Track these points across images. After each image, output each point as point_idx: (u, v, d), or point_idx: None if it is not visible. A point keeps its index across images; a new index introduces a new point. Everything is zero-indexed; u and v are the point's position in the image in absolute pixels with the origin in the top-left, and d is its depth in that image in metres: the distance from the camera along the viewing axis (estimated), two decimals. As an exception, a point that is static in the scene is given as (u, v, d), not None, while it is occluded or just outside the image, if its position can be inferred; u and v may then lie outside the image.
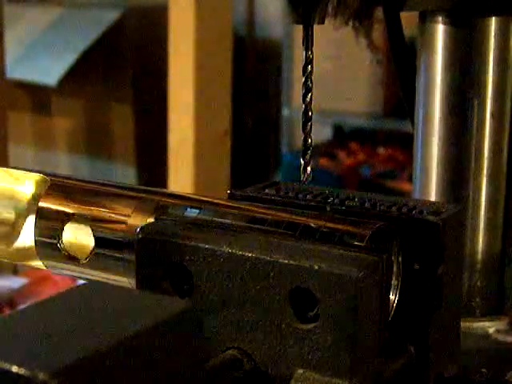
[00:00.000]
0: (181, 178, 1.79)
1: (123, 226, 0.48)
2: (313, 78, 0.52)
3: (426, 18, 0.64)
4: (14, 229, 0.53)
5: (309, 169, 0.51)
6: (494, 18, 0.62)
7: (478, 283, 0.64)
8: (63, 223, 0.50)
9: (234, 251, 0.42)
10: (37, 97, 2.60)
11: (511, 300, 0.65)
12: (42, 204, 0.51)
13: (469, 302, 0.64)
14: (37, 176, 0.53)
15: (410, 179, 0.69)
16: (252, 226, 0.45)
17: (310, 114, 0.52)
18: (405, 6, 0.63)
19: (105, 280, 0.50)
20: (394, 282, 0.46)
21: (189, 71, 1.73)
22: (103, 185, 0.52)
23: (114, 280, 0.49)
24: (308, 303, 0.40)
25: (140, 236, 0.44)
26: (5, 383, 0.29)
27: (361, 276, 0.39)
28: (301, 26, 0.52)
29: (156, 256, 0.43)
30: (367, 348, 0.40)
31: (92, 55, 2.41)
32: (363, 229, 0.43)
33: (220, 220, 0.46)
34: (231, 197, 0.51)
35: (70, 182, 0.52)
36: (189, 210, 0.47)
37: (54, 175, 0.52)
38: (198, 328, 0.35)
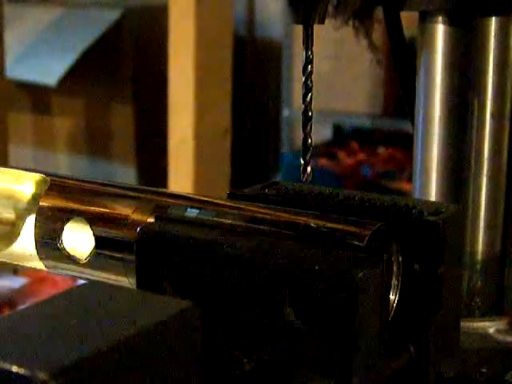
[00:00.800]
0: (181, 178, 1.79)
1: (123, 226, 0.48)
2: (313, 78, 0.52)
3: (426, 18, 0.64)
4: (13, 229, 0.53)
5: (309, 169, 0.51)
6: (494, 18, 0.62)
7: (478, 283, 0.64)
8: (63, 223, 0.50)
9: (233, 251, 0.42)
10: (37, 97, 2.60)
11: (511, 300, 0.65)
12: (41, 204, 0.51)
13: (469, 302, 0.64)
14: (37, 176, 0.53)
15: (410, 179, 0.69)
16: (252, 225, 0.45)
17: (310, 113, 0.52)
18: (405, 5, 0.63)
19: (105, 280, 0.50)
20: (393, 281, 0.46)
21: (189, 71, 1.73)
22: (103, 185, 0.52)
23: (114, 280, 0.49)
24: (308, 303, 0.40)
25: (140, 236, 0.44)
26: (5, 383, 0.29)
27: (361, 276, 0.39)
28: (301, 26, 0.52)
29: (156, 256, 0.43)
30: (367, 348, 0.40)
31: (92, 55, 2.41)
32: (363, 229, 0.43)
33: (220, 220, 0.46)
34: (231, 197, 0.51)
35: (70, 182, 0.52)
36: (189, 210, 0.47)
37: (54, 175, 0.52)
38: (197, 328, 0.35)
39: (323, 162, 2.46)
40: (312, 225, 0.44)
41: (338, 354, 0.39)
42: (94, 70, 2.47)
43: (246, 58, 2.68)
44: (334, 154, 2.52)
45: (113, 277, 0.49)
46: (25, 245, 0.52)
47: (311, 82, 0.50)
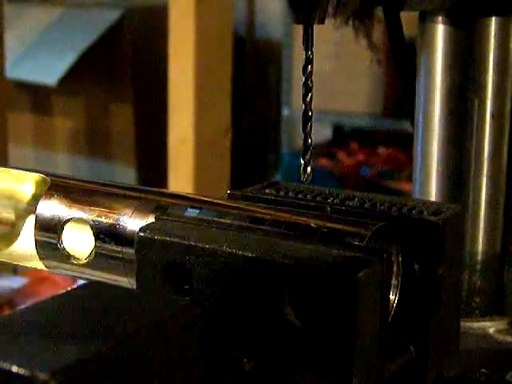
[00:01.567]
0: (181, 178, 1.79)
1: (123, 225, 0.48)
2: (313, 78, 0.52)
3: (426, 18, 0.64)
4: (13, 229, 0.53)
5: (309, 169, 0.51)
6: (494, 18, 0.62)
7: (478, 283, 0.64)
8: (63, 223, 0.50)
9: (233, 251, 0.42)
10: (37, 97, 2.60)
11: (511, 300, 0.65)
12: (41, 204, 0.51)
13: (469, 302, 0.64)
14: (37, 176, 0.53)
15: (410, 179, 0.69)
16: (252, 225, 0.45)
17: (310, 113, 0.52)
18: (405, 5, 0.63)
19: (105, 280, 0.50)
20: (393, 281, 0.46)
21: (189, 71, 1.73)
22: (103, 185, 0.52)
23: (114, 280, 0.49)
24: (308, 303, 0.40)
25: (140, 236, 0.44)
26: (5, 383, 0.29)
27: (361, 276, 0.39)
28: (301, 26, 0.52)
29: (156, 256, 0.43)
30: (367, 348, 0.40)
31: (92, 55, 2.41)
32: (363, 229, 0.43)
33: (220, 220, 0.46)
34: (231, 197, 0.51)
35: (70, 182, 0.52)
36: (189, 210, 0.47)
37: (54, 175, 0.52)
38: (197, 328, 0.35)
39: (323, 162, 2.46)
40: (312, 225, 0.44)
41: (337, 354, 0.39)
42: (93, 70, 2.47)
43: (246, 57, 2.68)
44: (334, 154, 2.52)
45: (113, 277, 0.49)
46: (25, 245, 0.52)
47: (311, 82, 0.50)
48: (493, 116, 0.63)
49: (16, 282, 1.51)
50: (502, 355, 0.60)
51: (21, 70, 2.45)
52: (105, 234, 0.49)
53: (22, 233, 0.52)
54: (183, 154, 1.77)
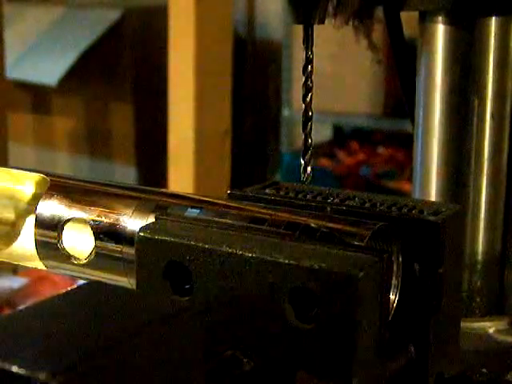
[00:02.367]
0: (181, 178, 1.79)
1: (123, 225, 0.48)
2: (313, 78, 0.52)
3: (425, 18, 0.64)
4: (14, 229, 0.53)
5: (309, 169, 0.51)
6: (494, 18, 0.62)
7: (478, 283, 0.64)
8: (63, 223, 0.50)
9: (234, 251, 0.42)
10: (37, 97, 2.60)
11: (511, 300, 0.65)
12: (41, 204, 0.51)
13: (469, 302, 0.64)
14: (37, 176, 0.53)
15: (410, 179, 0.69)
16: (252, 225, 0.45)
17: (310, 113, 0.52)
18: (405, 5, 0.63)
19: (105, 280, 0.50)
20: (394, 281, 0.46)
21: (189, 71, 1.73)
22: (103, 185, 0.52)
23: (114, 280, 0.49)
24: (308, 303, 0.40)
25: (140, 236, 0.44)
26: (5, 383, 0.29)
27: (361, 276, 0.39)
28: (301, 26, 0.52)
29: (156, 256, 0.43)
30: (367, 348, 0.40)
31: (92, 55, 2.41)
32: (363, 229, 0.43)
33: (220, 220, 0.46)
34: (231, 197, 0.51)
35: (70, 182, 0.52)
36: (189, 209, 0.47)
37: (54, 175, 0.52)
38: (197, 328, 0.35)
39: (323, 161, 2.46)
40: (312, 225, 0.44)
41: (337, 354, 0.39)
42: (94, 70, 2.47)
43: (246, 57, 2.68)
44: (334, 154, 2.52)
45: (113, 277, 0.49)
46: (25, 245, 0.52)
47: (311, 82, 0.50)
48: (493, 116, 0.63)
49: (16, 282, 1.51)
50: (502, 355, 0.60)
51: (21, 70, 2.45)
52: (105, 233, 0.49)
53: (22, 233, 0.52)
54: (183, 154, 1.77)
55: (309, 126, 0.51)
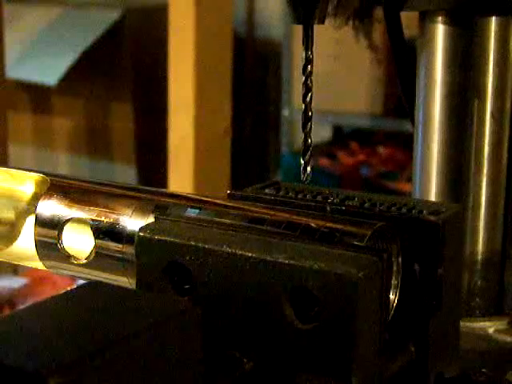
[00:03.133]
0: (181, 178, 1.79)
1: (123, 225, 0.48)
2: (313, 77, 0.52)
3: (425, 18, 0.64)
4: (13, 229, 0.53)
5: (309, 169, 0.51)
6: (493, 18, 0.62)
7: (478, 283, 0.64)
8: (63, 223, 0.50)
9: (233, 251, 0.42)
10: (37, 97, 2.60)
11: (511, 300, 0.65)
12: (41, 204, 0.51)
13: (469, 302, 0.64)
14: (37, 176, 0.53)
15: (410, 179, 0.69)
16: (252, 225, 0.45)
17: (310, 114, 0.52)
18: (405, 5, 0.63)
19: (105, 280, 0.50)
20: (393, 281, 0.46)
21: (189, 71, 1.73)
22: (103, 185, 0.52)
23: (114, 280, 0.49)
24: (308, 303, 0.40)
25: (140, 236, 0.44)
26: (5, 383, 0.29)
27: (361, 276, 0.39)
28: (301, 26, 0.52)
29: (156, 256, 0.43)
30: (367, 348, 0.40)
31: (92, 55, 2.41)
32: (363, 229, 0.43)
33: (220, 220, 0.46)
34: (231, 197, 0.51)
35: (70, 182, 0.52)
36: (189, 209, 0.47)
37: (54, 175, 0.52)
38: (197, 328, 0.35)
39: (323, 161, 2.46)
40: (312, 225, 0.44)
41: (337, 354, 0.39)
42: (93, 70, 2.47)
43: (246, 58, 2.68)
44: (333, 154, 2.52)
45: (113, 277, 0.49)
46: (25, 245, 0.52)
47: (311, 81, 0.50)
48: (493, 116, 0.63)
49: (16, 282, 1.51)
50: (502, 355, 0.60)
51: (21, 70, 2.45)
52: (105, 233, 0.49)
53: (22, 233, 0.52)
54: (183, 154, 1.77)
55: (309, 126, 0.51)
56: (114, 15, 2.43)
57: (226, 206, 0.47)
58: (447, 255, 0.47)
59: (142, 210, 0.48)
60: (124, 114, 2.48)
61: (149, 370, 0.32)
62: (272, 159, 2.76)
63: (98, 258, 0.49)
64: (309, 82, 0.50)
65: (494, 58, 0.62)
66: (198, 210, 0.47)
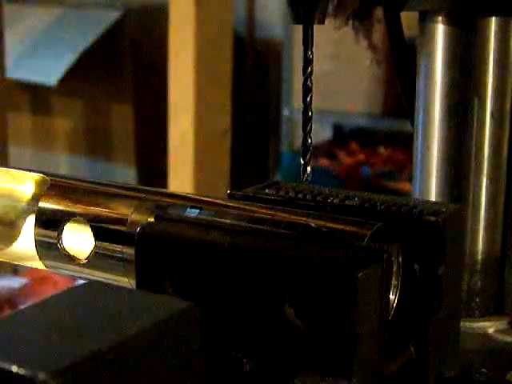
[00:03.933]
0: (181, 178, 1.79)
1: (123, 226, 0.48)
2: (313, 78, 0.52)
3: (425, 18, 0.64)
4: (14, 229, 0.53)
5: (309, 169, 0.51)
6: (493, 18, 0.62)
7: (478, 283, 0.64)
8: (63, 223, 0.50)
9: (233, 251, 0.42)
10: (37, 97, 2.60)
11: (511, 300, 0.65)
12: (41, 204, 0.51)
13: (469, 302, 0.64)
14: (37, 176, 0.53)
15: (410, 179, 0.69)
16: (252, 225, 0.45)
17: (310, 114, 0.52)
18: (405, 5, 0.63)
19: (105, 280, 0.50)
20: (393, 281, 0.46)
21: (189, 71, 1.73)
22: (103, 185, 0.52)
23: (114, 280, 0.49)
24: (308, 303, 0.40)
25: (140, 236, 0.44)
26: (5, 383, 0.29)
27: (361, 276, 0.39)
28: (301, 26, 0.52)
29: (156, 256, 0.43)
30: (367, 348, 0.40)
31: (92, 55, 2.41)
32: (363, 229, 0.43)
33: (220, 220, 0.46)
34: (231, 197, 0.51)
35: (70, 182, 0.52)
36: (189, 210, 0.47)
37: (54, 175, 0.52)
38: (197, 328, 0.35)
39: (323, 162, 2.46)
40: (312, 225, 0.44)
41: (338, 353, 0.39)
42: (94, 70, 2.47)
43: (246, 58, 2.68)
44: (334, 154, 2.52)
45: (113, 277, 0.49)
46: (25, 245, 0.52)
47: (311, 82, 0.50)
48: (493, 115, 0.63)
49: (16, 282, 1.51)
50: (502, 355, 0.60)
51: (21, 70, 2.45)
52: (105, 233, 0.49)
53: (22, 233, 0.52)
54: (183, 154, 1.77)
55: (309, 126, 0.51)
56: (114, 15, 2.43)
57: (226, 206, 0.47)
58: (447, 255, 0.47)
59: (142, 210, 0.48)
60: (124, 114, 2.48)
61: (149, 370, 0.32)
62: (272, 159, 2.76)
63: (98, 258, 0.49)
64: (309, 82, 0.50)
65: (493, 58, 0.62)
66: (198, 210, 0.47)
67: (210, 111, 1.78)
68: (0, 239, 0.53)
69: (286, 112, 2.54)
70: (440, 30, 0.63)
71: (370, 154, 2.50)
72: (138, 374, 0.32)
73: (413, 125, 0.67)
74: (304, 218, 0.45)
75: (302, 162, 0.51)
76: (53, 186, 0.51)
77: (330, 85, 2.28)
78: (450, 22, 0.62)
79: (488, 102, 0.63)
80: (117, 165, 2.54)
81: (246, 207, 0.47)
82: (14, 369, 0.29)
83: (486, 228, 0.64)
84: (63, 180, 0.52)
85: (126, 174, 2.49)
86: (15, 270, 1.61)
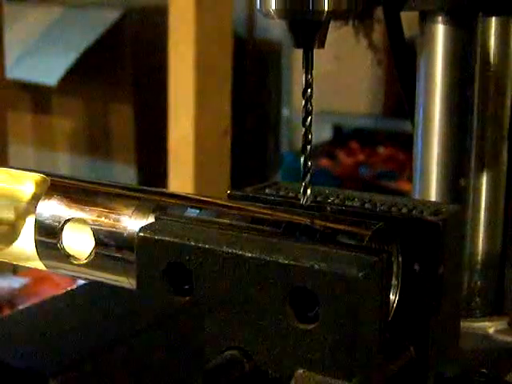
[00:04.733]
0: (181, 178, 1.79)
1: (123, 225, 0.48)
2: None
3: (425, 18, 0.64)
4: (13, 229, 0.53)
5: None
6: (494, 18, 0.62)
7: (478, 283, 0.64)
8: (63, 223, 0.50)
9: (233, 251, 0.42)
10: (37, 97, 2.60)
11: (511, 300, 0.65)
12: (41, 204, 0.51)
13: (469, 302, 0.64)
14: (37, 176, 0.53)
15: (410, 179, 0.69)
16: (252, 225, 0.45)
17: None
18: (405, 6, 0.63)
19: (105, 280, 0.50)
20: (394, 281, 0.46)
21: (189, 71, 1.73)
22: (103, 185, 0.52)
23: (114, 280, 0.49)
24: (308, 303, 0.40)
25: (140, 236, 0.44)
26: (5, 382, 0.29)
27: (361, 276, 0.39)
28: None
29: (156, 256, 0.43)
30: (367, 348, 0.40)
31: (92, 55, 2.41)
32: (363, 229, 0.43)
33: (220, 220, 0.46)
34: (231, 197, 0.51)
35: (70, 182, 0.52)
36: (189, 209, 0.47)
37: (54, 175, 0.52)
38: (197, 328, 0.35)
39: (323, 162, 2.46)
40: (312, 225, 0.44)
41: (338, 354, 0.39)
42: (94, 70, 2.47)
43: (246, 58, 2.68)
44: (334, 154, 2.52)
45: (113, 277, 0.49)
46: (25, 245, 0.52)
47: (311, 105, 0.50)
48: (493, 115, 0.63)
49: (16, 282, 1.51)
50: (502, 355, 0.60)
51: (21, 70, 2.45)
52: (105, 233, 0.49)
53: (22, 233, 0.52)
54: (183, 154, 1.77)
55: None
56: (114, 15, 2.43)
57: (226, 206, 0.47)
58: (447, 255, 0.47)
59: (142, 210, 0.48)
60: (124, 114, 2.48)
61: (149, 370, 0.32)
62: (272, 159, 2.76)
63: (98, 258, 0.49)
64: (309, 105, 0.50)
65: (494, 58, 0.62)
66: (198, 210, 0.47)
67: (210, 111, 1.78)
68: (0, 239, 0.53)
69: (285, 112, 2.54)
70: (440, 30, 0.63)
71: (369, 154, 2.50)
72: (138, 374, 0.32)
73: (413, 125, 0.67)
74: (304, 218, 0.45)
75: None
76: (53, 185, 0.51)
77: (330, 85, 2.28)
78: (450, 21, 0.62)
79: (488, 101, 0.63)
80: (117, 165, 2.54)
81: (246, 207, 0.47)
82: (14, 368, 0.29)
83: (486, 228, 0.64)
84: (63, 180, 0.52)
85: (126, 173, 2.49)
86: (15, 270, 1.61)
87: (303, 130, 0.49)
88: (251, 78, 2.71)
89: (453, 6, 0.62)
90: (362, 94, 2.38)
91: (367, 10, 0.69)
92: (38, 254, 0.51)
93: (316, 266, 0.39)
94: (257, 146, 2.77)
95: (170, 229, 0.44)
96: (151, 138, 2.42)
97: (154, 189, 0.51)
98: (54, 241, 0.50)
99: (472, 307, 0.64)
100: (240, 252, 0.41)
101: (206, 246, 0.42)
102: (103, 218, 0.49)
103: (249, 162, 2.71)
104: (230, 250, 0.42)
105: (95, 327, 0.33)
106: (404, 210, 0.48)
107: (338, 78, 2.33)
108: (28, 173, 0.53)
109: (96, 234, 0.49)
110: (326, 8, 0.47)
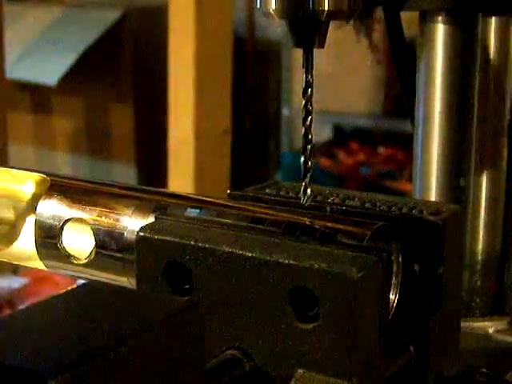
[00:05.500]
0: (181, 178, 1.79)
1: (123, 225, 0.48)
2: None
3: (425, 18, 0.64)
4: (13, 229, 0.53)
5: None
6: (494, 18, 0.62)
7: (478, 283, 0.64)
8: (63, 223, 0.50)
9: (234, 251, 0.42)
10: (37, 97, 2.60)
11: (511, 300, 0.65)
12: (41, 204, 0.51)
13: (469, 302, 0.64)
14: (37, 176, 0.53)
15: (410, 179, 0.69)
16: (252, 225, 0.45)
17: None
18: (405, 5, 0.63)
19: (105, 280, 0.50)
20: (393, 281, 0.46)
21: (189, 71, 1.73)
22: (103, 185, 0.52)
23: (114, 280, 0.49)
24: (308, 303, 0.40)
25: (140, 235, 0.44)
26: (6, 382, 0.29)
27: (361, 276, 0.39)
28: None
29: (156, 255, 0.43)
30: (367, 348, 0.40)
31: (92, 55, 2.41)
32: (363, 229, 0.43)
33: (220, 220, 0.46)
34: (231, 197, 0.51)
35: (70, 182, 0.52)
36: (189, 209, 0.47)
37: (54, 175, 0.52)
38: (197, 328, 0.35)
39: (323, 162, 2.46)
40: (312, 225, 0.44)
41: (338, 353, 0.39)
42: (93, 70, 2.47)
43: (246, 58, 2.68)
44: (334, 154, 2.52)
45: (113, 277, 0.49)
46: (25, 245, 0.52)
47: (311, 105, 0.50)
48: (493, 115, 0.63)
49: (16, 282, 1.51)
50: (501, 355, 0.60)
51: (21, 70, 2.45)
52: (105, 233, 0.49)
53: (22, 233, 0.52)
54: (183, 154, 1.77)
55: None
56: (114, 15, 2.43)
57: (226, 206, 0.47)
58: (447, 255, 0.47)
59: (142, 210, 0.48)
60: (124, 114, 2.48)
61: (149, 369, 0.32)
62: (272, 159, 2.76)
63: (98, 258, 0.49)
64: (309, 105, 0.50)
65: (493, 58, 0.62)
66: (198, 210, 0.47)
67: (210, 111, 1.78)
68: (0, 239, 0.53)
69: (285, 112, 2.54)
70: (440, 30, 0.63)
71: (369, 153, 2.50)
72: (138, 373, 0.32)
73: (413, 125, 0.67)
74: (304, 218, 0.45)
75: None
76: (53, 185, 0.51)
77: (330, 85, 2.28)
78: (450, 21, 0.62)
79: (488, 102, 0.63)
80: (117, 165, 2.54)
81: (246, 207, 0.47)
82: (14, 368, 0.29)
83: (486, 228, 0.64)
84: (63, 180, 0.52)
85: (126, 174, 2.49)
86: (15, 269, 1.61)
87: (303, 129, 0.49)
88: (251, 78, 2.71)
89: (453, 6, 0.62)
90: (361, 94, 2.38)
91: (367, 10, 0.69)
92: (38, 253, 0.51)
93: (316, 266, 0.39)
94: (257, 146, 2.77)
95: (169, 229, 0.44)
96: (151, 138, 2.42)
97: (154, 189, 0.51)
98: (54, 241, 0.50)
99: (472, 307, 0.64)
100: (240, 252, 0.41)
101: (206, 246, 0.42)
102: (103, 218, 0.49)
103: (249, 162, 2.71)
104: (229, 250, 0.42)
105: (95, 327, 0.33)
106: (404, 210, 0.48)
107: (337, 78, 2.33)
108: (28, 173, 0.53)
109: (96, 233, 0.49)
110: (326, 8, 0.47)
